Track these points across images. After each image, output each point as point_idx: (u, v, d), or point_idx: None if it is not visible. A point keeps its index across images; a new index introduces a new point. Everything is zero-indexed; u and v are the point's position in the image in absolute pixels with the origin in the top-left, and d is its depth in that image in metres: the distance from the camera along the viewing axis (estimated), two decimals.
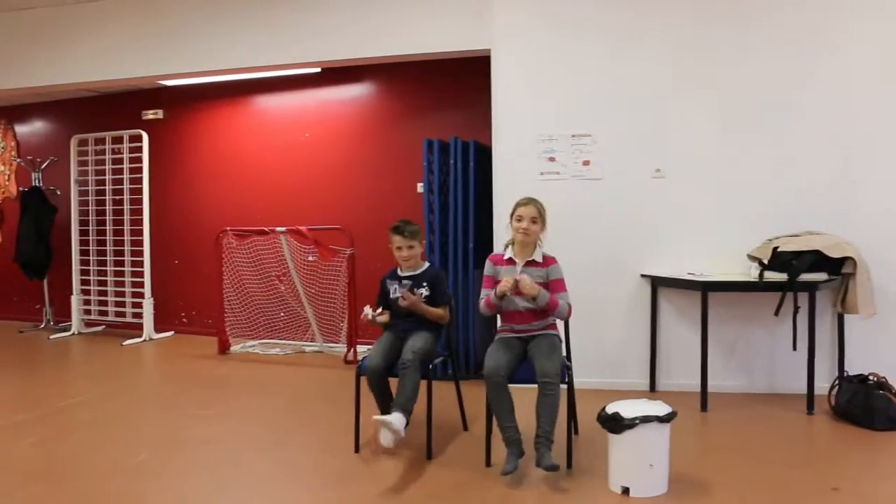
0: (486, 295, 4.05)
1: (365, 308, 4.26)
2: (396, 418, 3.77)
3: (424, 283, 4.28)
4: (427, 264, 4.41)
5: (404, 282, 4.26)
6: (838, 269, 4.78)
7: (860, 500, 3.37)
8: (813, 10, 5.16)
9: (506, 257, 4.09)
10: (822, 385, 4.82)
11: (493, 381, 3.70)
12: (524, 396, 3.92)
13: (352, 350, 6.64)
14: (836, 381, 4.74)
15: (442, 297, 4.31)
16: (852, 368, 4.88)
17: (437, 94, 7.17)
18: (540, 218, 4.00)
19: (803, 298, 4.74)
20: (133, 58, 6.87)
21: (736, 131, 5.29)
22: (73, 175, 8.39)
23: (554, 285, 3.97)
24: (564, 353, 4.07)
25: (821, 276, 4.74)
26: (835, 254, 4.71)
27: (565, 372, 3.78)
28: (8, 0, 6.97)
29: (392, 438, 3.75)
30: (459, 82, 6.89)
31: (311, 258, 7.16)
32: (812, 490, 3.48)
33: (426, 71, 6.85)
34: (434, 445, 4.01)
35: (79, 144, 8.39)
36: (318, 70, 7.12)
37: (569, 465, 3.75)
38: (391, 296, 4.32)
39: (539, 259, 4.03)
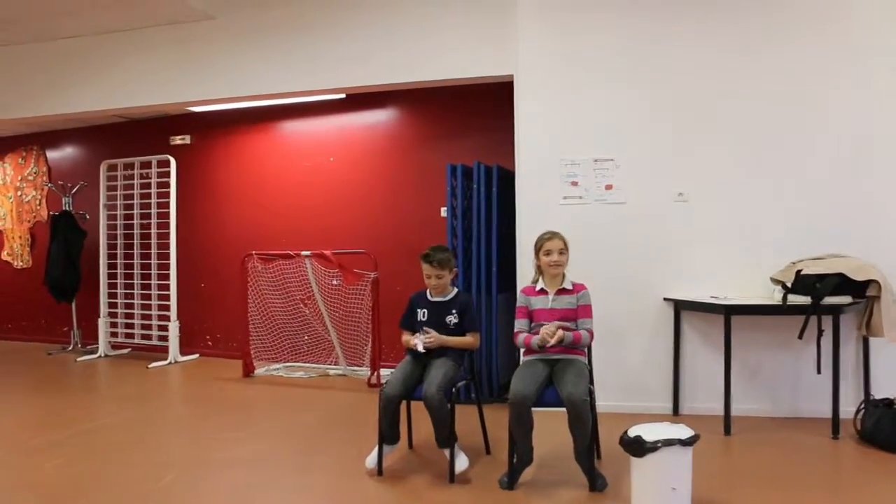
0: (521, 329, 4.19)
1: (410, 341, 4.28)
2: (462, 462, 4.06)
3: (453, 311, 4.34)
4: (455, 290, 4.45)
5: (426, 331, 4.25)
6: (863, 291, 4.75)
7: None
8: (835, 30, 5.17)
9: (537, 289, 4.23)
10: (848, 409, 4.77)
11: (519, 408, 3.76)
12: (548, 420, 3.95)
13: (375, 373, 6.66)
14: (862, 405, 4.70)
15: (471, 323, 4.35)
16: (878, 392, 4.85)
17: (460, 119, 7.23)
18: (566, 249, 4.17)
19: (827, 322, 4.70)
20: (162, 84, 7.02)
21: (758, 154, 5.29)
22: (103, 199, 8.54)
23: (581, 311, 4.12)
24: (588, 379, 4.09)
25: (845, 300, 4.70)
26: (859, 276, 4.69)
27: (590, 397, 3.80)
28: (41, 30, 7.16)
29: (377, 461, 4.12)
30: (482, 107, 6.95)
31: (335, 282, 7.22)
32: None
33: (449, 96, 6.92)
34: (456, 468, 4.02)
35: (108, 169, 8.55)
36: (343, 96, 7.22)
37: (592, 487, 3.76)
38: (419, 318, 4.38)
39: (569, 287, 4.17)
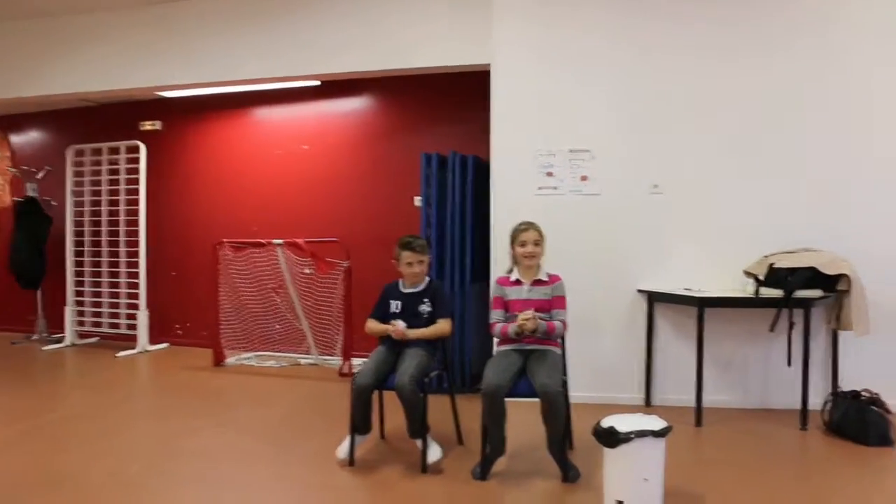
0: (497, 319, 4.18)
1: (388, 328, 4.25)
2: (435, 452, 4.05)
3: (425, 300, 4.32)
4: (427, 279, 4.43)
5: (399, 321, 4.24)
6: (833, 285, 4.80)
7: None
8: (811, 29, 5.21)
9: (512, 279, 4.21)
10: (816, 401, 4.82)
11: (493, 398, 3.75)
12: (521, 410, 3.95)
13: (347, 363, 6.63)
14: (830, 397, 4.75)
15: (442, 309, 4.33)
16: (845, 384, 4.90)
17: (435, 108, 7.20)
18: (541, 240, 4.17)
19: (798, 315, 4.76)
20: (132, 68, 6.89)
21: (734, 148, 5.32)
22: (70, 186, 8.38)
23: (555, 301, 4.13)
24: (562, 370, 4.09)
25: (816, 293, 4.75)
26: (830, 271, 4.73)
27: (564, 388, 3.81)
28: (6, 10, 6.99)
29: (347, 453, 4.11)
30: (458, 96, 6.92)
31: (307, 271, 7.16)
32: None
33: (425, 85, 6.88)
34: (429, 459, 4.00)
35: (75, 155, 8.39)
36: (318, 83, 7.15)
37: (564, 478, 3.76)
38: (391, 310, 4.36)
39: (544, 278, 4.17)
